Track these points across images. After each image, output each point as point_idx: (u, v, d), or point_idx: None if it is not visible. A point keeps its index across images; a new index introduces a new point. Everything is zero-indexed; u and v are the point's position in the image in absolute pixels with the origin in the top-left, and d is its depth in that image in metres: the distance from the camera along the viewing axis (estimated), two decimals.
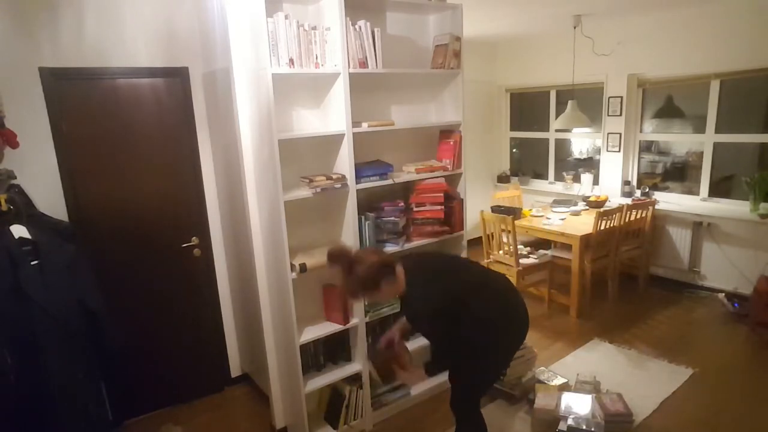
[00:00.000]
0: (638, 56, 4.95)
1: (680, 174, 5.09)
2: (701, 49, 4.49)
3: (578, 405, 2.90)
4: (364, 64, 2.67)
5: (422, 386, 3.27)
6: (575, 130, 5.74)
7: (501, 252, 4.40)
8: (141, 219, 3.03)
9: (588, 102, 5.36)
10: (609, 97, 5.25)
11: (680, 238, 4.78)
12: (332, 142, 2.71)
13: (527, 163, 6.55)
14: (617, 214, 4.38)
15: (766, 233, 4.27)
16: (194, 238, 3.22)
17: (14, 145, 2.35)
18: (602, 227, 4.29)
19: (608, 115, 5.29)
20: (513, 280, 4.35)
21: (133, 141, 2.95)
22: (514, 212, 4.61)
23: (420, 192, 2.98)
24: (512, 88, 6.35)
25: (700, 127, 4.74)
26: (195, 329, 3.32)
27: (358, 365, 2.94)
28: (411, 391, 3.22)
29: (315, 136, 2.64)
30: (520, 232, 4.57)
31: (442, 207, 3.03)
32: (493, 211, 4.70)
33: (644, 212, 4.64)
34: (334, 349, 2.95)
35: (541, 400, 2.96)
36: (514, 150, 6.62)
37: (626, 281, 4.88)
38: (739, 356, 3.64)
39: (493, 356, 2.21)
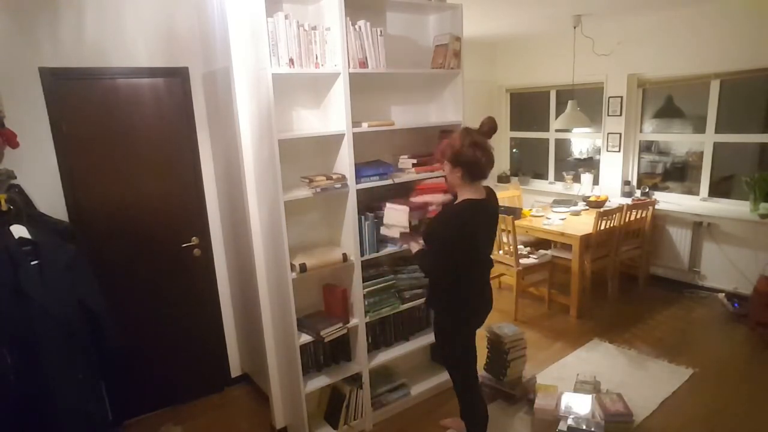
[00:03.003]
0: (638, 56, 4.95)
1: (680, 174, 5.09)
2: (701, 49, 4.49)
3: (578, 405, 2.90)
4: (364, 64, 2.67)
5: (422, 386, 3.27)
6: (575, 130, 5.74)
7: (501, 252, 4.40)
8: (141, 219, 3.03)
9: (588, 102, 5.36)
10: (609, 97, 5.25)
11: (680, 238, 4.78)
12: (332, 142, 2.71)
13: (527, 163, 6.55)
14: (617, 214, 4.38)
15: (766, 233, 4.27)
16: (194, 238, 3.22)
17: (14, 145, 2.34)
18: (602, 227, 4.29)
19: (608, 115, 5.29)
20: (513, 280, 4.36)
21: (133, 141, 2.95)
22: (514, 212, 4.61)
23: (420, 192, 2.97)
24: (512, 88, 6.35)
25: (700, 127, 4.74)
26: (195, 329, 3.32)
27: (358, 365, 2.94)
28: (411, 390, 3.22)
29: (315, 136, 2.64)
30: (520, 232, 4.58)
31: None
32: None
33: (644, 212, 4.64)
34: (334, 349, 2.95)
35: (541, 400, 2.96)
36: (514, 150, 6.62)
37: (626, 281, 4.88)
38: (739, 356, 3.64)
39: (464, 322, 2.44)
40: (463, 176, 2.23)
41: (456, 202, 2.31)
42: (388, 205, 2.67)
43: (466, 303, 2.38)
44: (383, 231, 2.72)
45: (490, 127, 2.24)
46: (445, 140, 2.31)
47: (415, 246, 2.49)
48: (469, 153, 2.18)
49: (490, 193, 2.38)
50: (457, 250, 2.23)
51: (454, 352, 2.50)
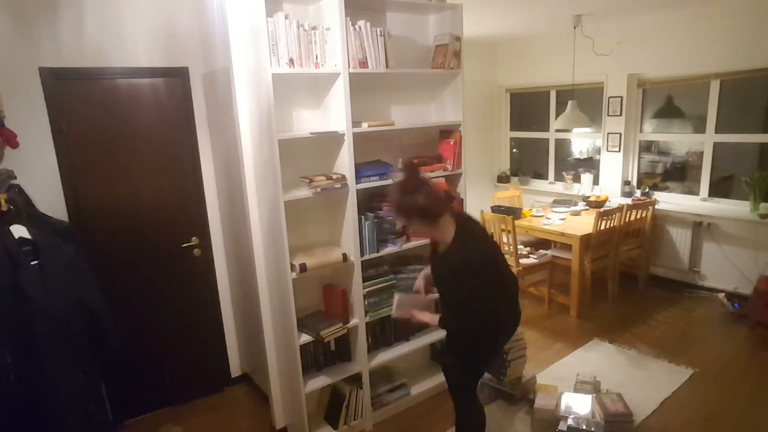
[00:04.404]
0: (638, 56, 4.94)
1: (680, 174, 5.09)
2: (701, 49, 4.49)
3: (578, 405, 2.90)
4: (364, 64, 2.67)
5: (422, 386, 3.28)
6: (575, 130, 5.73)
7: None
8: (141, 219, 3.03)
9: (588, 102, 5.36)
10: (609, 97, 5.24)
11: (680, 238, 4.78)
12: (332, 142, 2.71)
13: (527, 163, 6.55)
14: (617, 214, 4.38)
15: (766, 233, 4.27)
16: (194, 238, 3.22)
17: (14, 145, 2.35)
18: (602, 227, 4.29)
19: (608, 115, 5.29)
20: None
21: (133, 141, 2.95)
22: (514, 212, 4.62)
23: None
24: (512, 88, 6.35)
25: (700, 127, 4.74)
26: (195, 329, 3.32)
27: (358, 365, 2.94)
28: (411, 390, 3.22)
29: (315, 136, 2.64)
30: (520, 232, 4.57)
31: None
32: (493, 211, 4.71)
33: (644, 212, 4.64)
34: (335, 349, 2.95)
35: (541, 400, 2.96)
36: (514, 150, 6.62)
37: (626, 281, 4.88)
38: (739, 356, 3.64)
39: (491, 343, 2.29)
40: (426, 223, 2.07)
41: (450, 245, 2.09)
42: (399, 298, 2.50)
43: (501, 325, 2.25)
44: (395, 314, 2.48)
45: (408, 169, 2.07)
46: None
47: (430, 316, 2.27)
48: (410, 203, 2.02)
49: (468, 219, 2.21)
50: (489, 285, 2.04)
51: (476, 374, 2.36)
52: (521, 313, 2.36)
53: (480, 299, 2.05)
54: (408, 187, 2.04)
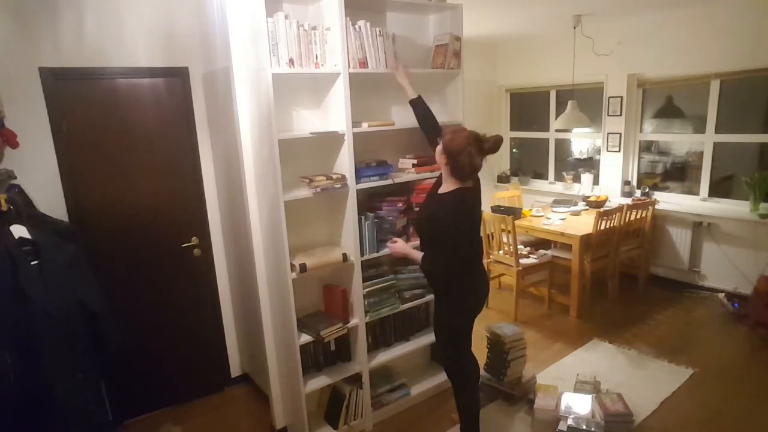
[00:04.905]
0: (638, 56, 4.95)
1: (680, 174, 5.09)
2: (701, 49, 4.49)
3: (578, 405, 2.90)
4: (364, 64, 2.67)
5: (422, 386, 3.28)
6: (575, 130, 5.73)
7: (501, 252, 4.40)
8: (141, 219, 3.03)
9: (588, 102, 5.36)
10: (609, 97, 5.25)
11: (680, 238, 4.78)
12: (332, 142, 2.71)
13: (527, 163, 6.55)
14: (617, 214, 4.38)
15: (766, 233, 4.27)
16: (194, 238, 3.22)
17: (14, 145, 2.34)
18: (602, 227, 4.29)
19: (608, 115, 5.29)
20: (513, 280, 4.36)
21: (133, 141, 2.95)
22: (514, 212, 4.61)
23: (420, 192, 2.98)
24: (512, 88, 6.35)
25: (700, 127, 4.74)
26: (195, 329, 3.32)
27: (358, 365, 2.94)
28: (411, 390, 3.22)
29: (315, 136, 2.64)
30: (520, 232, 4.57)
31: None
32: (493, 211, 4.70)
33: (644, 212, 4.64)
34: (335, 349, 2.95)
35: (541, 400, 2.96)
36: (514, 150, 6.62)
37: (626, 281, 4.88)
38: (739, 356, 3.64)
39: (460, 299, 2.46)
40: (447, 168, 2.34)
41: (448, 191, 2.36)
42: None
43: (472, 292, 2.44)
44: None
45: (494, 144, 2.31)
46: (455, 130, 2.35)
47: (415, 253, 2.50)
48: (463, 160, 2.27)
49: (476, 180, 2.46)
50: (461, 237, 2.30)
51: (457, 345, 2.51)
52: (488, 285, 2.62)
53: (442, 240, 2.30)
54: (474, 153, 2.28)
